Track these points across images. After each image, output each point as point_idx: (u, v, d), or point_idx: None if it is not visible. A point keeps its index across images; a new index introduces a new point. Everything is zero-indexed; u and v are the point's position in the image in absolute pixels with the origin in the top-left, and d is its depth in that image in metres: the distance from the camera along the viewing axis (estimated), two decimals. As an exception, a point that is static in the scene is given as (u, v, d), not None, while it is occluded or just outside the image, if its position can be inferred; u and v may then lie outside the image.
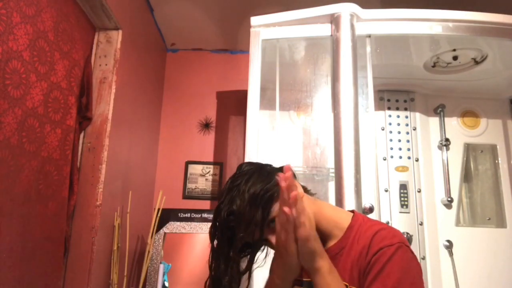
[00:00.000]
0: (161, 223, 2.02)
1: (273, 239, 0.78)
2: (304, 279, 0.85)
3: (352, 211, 0.90)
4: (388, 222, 1.86)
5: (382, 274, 0.72)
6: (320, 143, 1.95)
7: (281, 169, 0.83)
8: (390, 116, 2.04)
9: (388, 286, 0.70)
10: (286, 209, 0.68)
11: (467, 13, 1.53)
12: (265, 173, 0.83)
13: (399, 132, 2.01)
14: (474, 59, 1.80)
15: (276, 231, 0.75)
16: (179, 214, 2.11)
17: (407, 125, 2.02)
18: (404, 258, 0.73)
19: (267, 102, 1.77)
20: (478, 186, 2.04)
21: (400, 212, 1.89)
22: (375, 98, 1.63)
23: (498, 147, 2.03)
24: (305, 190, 0.89)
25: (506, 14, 1.53)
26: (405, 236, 1.82)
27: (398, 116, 2.04)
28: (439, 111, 2.04)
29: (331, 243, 0.84)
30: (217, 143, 2.40)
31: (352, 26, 1.49)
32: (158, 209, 1.89)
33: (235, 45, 2.49)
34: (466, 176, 2.04)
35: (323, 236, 0.84)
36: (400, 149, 1.99)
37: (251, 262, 0.86)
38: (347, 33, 1.47)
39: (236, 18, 2.19)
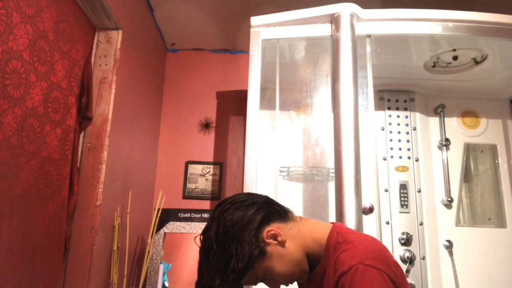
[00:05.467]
0: (161, 223, 2.02)
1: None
2: None
3: (332, 223, 0.91)
4: (388, 222, 1.86)
5: None
6: (320, 143, 1.95)
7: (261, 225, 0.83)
8: (390, 116, 2.04)
9: None
10: None
11: (467, 13, 1.53)
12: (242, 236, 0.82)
13: (399, 132, 2.01)
14: (474, 59, 1.80)
15: None
16: (179, 214, 2.11)
17: (407, 125, 2.02)
18: (362, 282, 0.70)
19: (267, 102, 1.77)
20: (478, 186, 2.03)
21: (400, 212, 1.89)
22: (375, 98, 1.63)
23: (498, 147, 2.03)
24: (283, 214, 0.88)
25: (506, 14, 1.53)
26: (404, 236, 1.83)
27: (398, 116, 2.04)
28: (439, 111, 2.04)
29: (318, 266, 0.84)
30: (217, 143, 2.40)
31: (352, 26, 1.49)
32: (158, 209, 1.89)
33: (235, 45, 2.49)
34: (466, 176, 2.04)
35: (314, 259, 0.85)
36: (400, 149, 1.99)
37: None
38: (347, 33, 1.47)
39: (236, 18, 2.19)
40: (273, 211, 0.86)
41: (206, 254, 0.81)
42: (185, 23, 2.26)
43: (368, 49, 1.56)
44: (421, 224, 1.87)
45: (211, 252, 0.80)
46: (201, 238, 0.85)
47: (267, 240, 0.82)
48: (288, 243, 0.83)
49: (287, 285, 0.89)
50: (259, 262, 0.81)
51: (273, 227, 0.83)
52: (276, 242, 0.83)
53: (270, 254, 0.82)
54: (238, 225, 0.81)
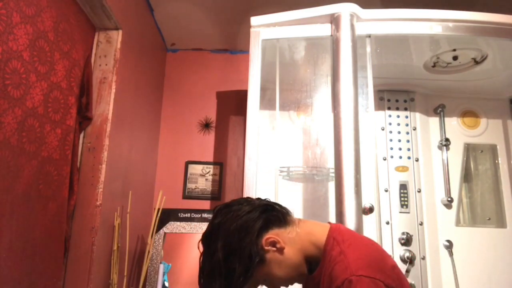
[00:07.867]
0: (161, 223, 2.02)
1: None
2: None
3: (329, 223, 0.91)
4: (388, 222, 1.86)
5: None
6: (320, 143, 1.95)
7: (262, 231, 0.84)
8: (390, 116, 2.04)
9: None
10: None
11: (467, 13, 1.53)
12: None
13: (399, 132, 2.01)
14: (474, 59, 1.80)
15: None
16: (179, 214, 2.12)
17: (407, 125, 2.02)
18: None
19: (267, 102, 1.77)
20: (478, 186, 2.03)
21: (400, 212, 1.89)
22: (375, 98, 1.63)
23: (498, 147, 2.03)
24: (282, 218, 0.88)
25: (506, 14, 1.53)
26: (404, 236, 1.83)
27: (398, 116, 2.04)
28: (439, 111, 2.04)
29: (316, 270, 0.85)
30: (217, 143, 2.41)
31: (352, 26, 1.49)
32: (158, 209, 1.89)
33: (235, 45, 2.49)
34: (466, 176, 2.04)
35: (313, 261, 0.86)
36: (400, 149, 1.99)
37: None
38: (347, 33, 1.47)
39: (236, 18, 2.19)
40: (272, 217, 0.87)
41: (209, 264, 0.83)
42: (185, 23, 2.26)
43: (368, 49, 1.56)
44: (421, 224, 1.87)
45: (212, 262, 0.82)
46: (202, 246, 0.87)
47: (266, 248, 0.83)
48: (287, 249, 0.84)
49: (287, 286, 0.90)
50: (258, 269, 0.82)
51: (271, 234, 0.84)
52: (275, 249, 0.84)
53: (269, 261, 0.83)
54: (238, 236, 0.82)
